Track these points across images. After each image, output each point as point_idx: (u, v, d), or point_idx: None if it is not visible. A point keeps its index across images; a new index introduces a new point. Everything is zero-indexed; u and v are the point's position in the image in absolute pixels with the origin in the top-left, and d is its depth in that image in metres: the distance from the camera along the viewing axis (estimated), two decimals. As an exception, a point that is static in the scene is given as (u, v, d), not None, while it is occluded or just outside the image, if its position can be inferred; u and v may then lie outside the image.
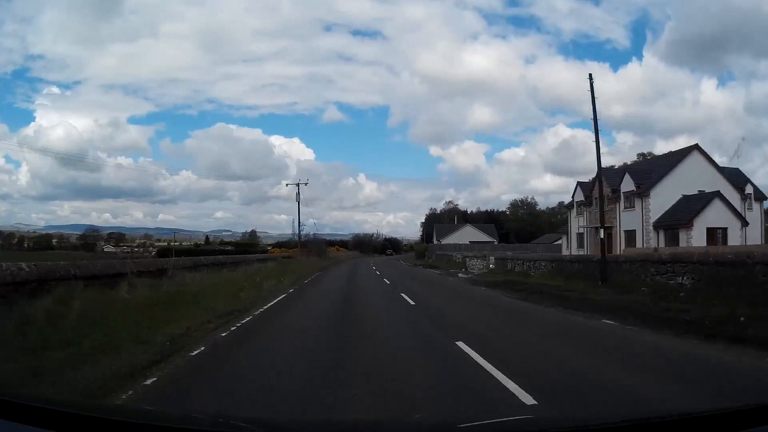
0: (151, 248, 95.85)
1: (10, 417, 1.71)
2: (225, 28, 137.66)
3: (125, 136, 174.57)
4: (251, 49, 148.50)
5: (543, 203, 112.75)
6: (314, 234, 57.42)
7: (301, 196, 50.58)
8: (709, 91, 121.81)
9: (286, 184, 49.01)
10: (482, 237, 79.43)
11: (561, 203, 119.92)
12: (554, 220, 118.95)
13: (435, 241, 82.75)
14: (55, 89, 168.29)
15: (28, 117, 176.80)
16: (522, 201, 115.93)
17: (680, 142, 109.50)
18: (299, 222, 50.75)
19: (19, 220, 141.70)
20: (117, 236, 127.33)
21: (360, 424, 2.89)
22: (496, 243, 75.57)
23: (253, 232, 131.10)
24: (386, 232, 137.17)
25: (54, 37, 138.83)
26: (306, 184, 53.16)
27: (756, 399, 2.28)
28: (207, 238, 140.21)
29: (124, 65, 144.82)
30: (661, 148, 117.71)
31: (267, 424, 2.23)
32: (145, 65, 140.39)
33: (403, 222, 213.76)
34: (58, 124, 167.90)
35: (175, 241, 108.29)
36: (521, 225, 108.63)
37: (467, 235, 78.55)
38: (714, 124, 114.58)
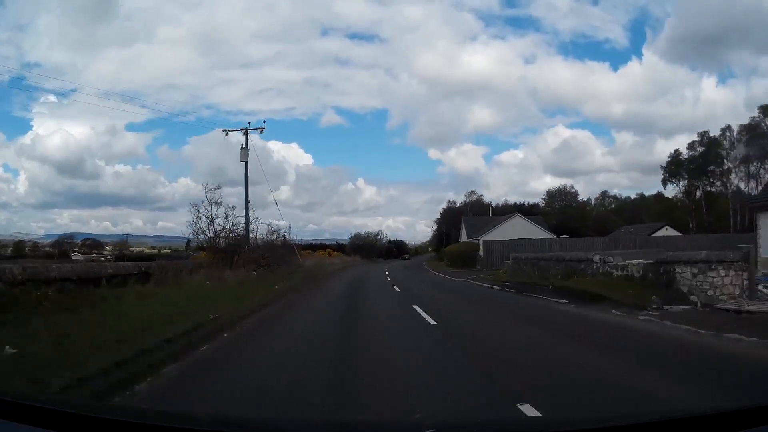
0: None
1: (10, 417, 1.72)
2: (221, 33, 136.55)
3: (123, 143, 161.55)
4: (248, 53, 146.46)
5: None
6: (272, 227, 29.14)
7: (251, 150, 26.85)
8: (709, 88, 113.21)
9: (225, 132, 26.35)
10: (538, 232, 55.99)
11: (605, 193, 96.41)
12: (601, 211, 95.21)
13: (466, 239, 59.58)
14: (52, 97, 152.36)
15: (25, 126, 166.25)
16: (560, 190, 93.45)
17: (681, 140, 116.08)
18: (246, 200, 26.93)
19: (18, 229, 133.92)
20: (91, 243, 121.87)
21: (360, 425, 2.89)
22: (554, 238, 52.51)
23: (242, 237, 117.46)
24: (388, 235, 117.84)
25: (50, 44, 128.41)
26: (261, 131, 29.30)
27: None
28: (188, 242, 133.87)
29: (121, 72, 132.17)
30: (661, 146, 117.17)
31: (266, 424, 2.27)
32: (142, 71, 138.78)
33: (402, 226, 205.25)
34: (55, 132, 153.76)
35: (168, 248, 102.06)
36: (562, 218, 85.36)
37: (517, 229, 54.83)
38: (714, 120, 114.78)
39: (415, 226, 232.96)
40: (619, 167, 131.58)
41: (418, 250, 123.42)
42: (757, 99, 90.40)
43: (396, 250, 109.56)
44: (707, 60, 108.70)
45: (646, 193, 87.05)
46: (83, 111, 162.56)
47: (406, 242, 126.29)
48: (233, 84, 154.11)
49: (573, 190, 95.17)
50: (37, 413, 1.77)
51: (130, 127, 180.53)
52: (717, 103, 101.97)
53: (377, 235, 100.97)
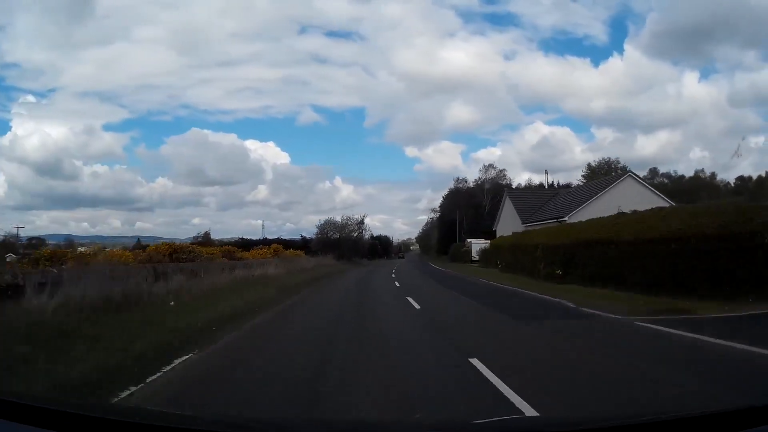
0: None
1: (10, 417, 1.68)
2: (199, 31, 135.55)
3: (100, 143, 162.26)
4: (226, 52, 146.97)
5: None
6: None
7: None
8: (691, 84, 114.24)
9: None
10: (659, 202, 30.56)
11: (654, 170, 75.70)
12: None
13: (521, 226, 36.54)
14: (30, 98, 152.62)
15: (4, 127, 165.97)
16: (603, 163, 69.95)
17: (662, 137, 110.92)
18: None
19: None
20: (37, 243, 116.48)
21: (360, 425, 2.80)
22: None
23: (206, 234, 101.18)
24: (370, 228, 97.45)
25: (28, 44, 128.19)
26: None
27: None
28: (139, 240, 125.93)
29: (99, 72, 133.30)
30: (641, 143, 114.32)
31: (266, 424, 2.19)
32: (119, 71, 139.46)
33: (379, 224, 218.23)
34: (33, 132, 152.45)
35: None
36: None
37: (627, 198, 28.69)
38: (697, 117, 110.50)
39: (392, 224, 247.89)
40: (598, 164, 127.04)
41: (401, 248, 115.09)
42: (740, 94, 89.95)
43: (381, 247, 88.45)
44: (690, 55, 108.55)
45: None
46: (61, 111, 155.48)
47: (390, 237, 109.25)
48: (211, 83, 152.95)
49: (620, 165, 71.09)
50: (37, 413, 1.74)
51: (108, 127, 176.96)
52: (699, 98, 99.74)
53: (360, 223, 68.15)
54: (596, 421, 1.91)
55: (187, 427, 1.76)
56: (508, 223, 40.02)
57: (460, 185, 72.11)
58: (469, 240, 52.57)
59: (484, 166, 73.28)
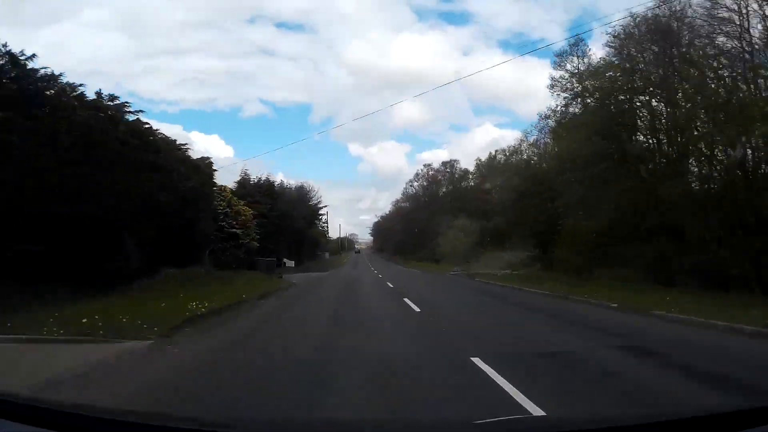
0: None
1: (10, 417, 1.70)
2: (148, 17, 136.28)
3: None
4: (174, 40, 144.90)
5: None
6: None
7: None
8: None
9: None
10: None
11: None
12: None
13: None
14: None
15: None
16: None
17: None
18: None
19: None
20: None
21: (359, 424, 2.81)
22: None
23: None
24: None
25: None
26: None
27: None
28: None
29: (49, 56, 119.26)
30: None
31: (264, 424, 2.28)
32: (68, 56, 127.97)
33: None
34: None
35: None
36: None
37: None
38: None
39: (332, 223, 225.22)
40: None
41: (346, 244, 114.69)
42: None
43: (304, 239, 48.17)
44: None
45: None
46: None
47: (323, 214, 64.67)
48: (157, 72, 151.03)
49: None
50: (38, 413, 1.75)
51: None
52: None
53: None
54: (597, 422, 1.95)
55: (186, 427, 1.80)
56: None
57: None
58: None
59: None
